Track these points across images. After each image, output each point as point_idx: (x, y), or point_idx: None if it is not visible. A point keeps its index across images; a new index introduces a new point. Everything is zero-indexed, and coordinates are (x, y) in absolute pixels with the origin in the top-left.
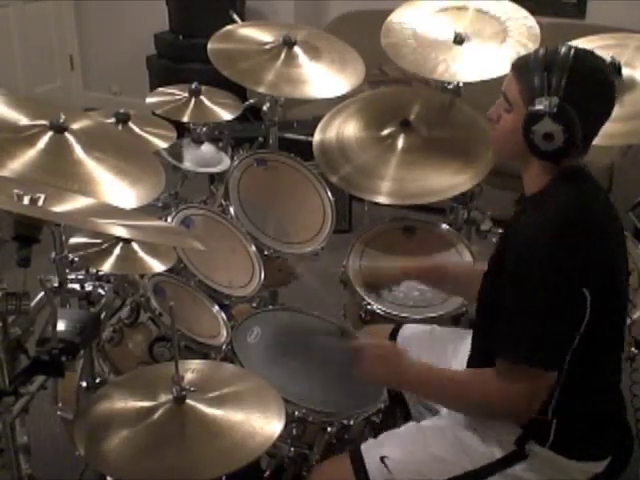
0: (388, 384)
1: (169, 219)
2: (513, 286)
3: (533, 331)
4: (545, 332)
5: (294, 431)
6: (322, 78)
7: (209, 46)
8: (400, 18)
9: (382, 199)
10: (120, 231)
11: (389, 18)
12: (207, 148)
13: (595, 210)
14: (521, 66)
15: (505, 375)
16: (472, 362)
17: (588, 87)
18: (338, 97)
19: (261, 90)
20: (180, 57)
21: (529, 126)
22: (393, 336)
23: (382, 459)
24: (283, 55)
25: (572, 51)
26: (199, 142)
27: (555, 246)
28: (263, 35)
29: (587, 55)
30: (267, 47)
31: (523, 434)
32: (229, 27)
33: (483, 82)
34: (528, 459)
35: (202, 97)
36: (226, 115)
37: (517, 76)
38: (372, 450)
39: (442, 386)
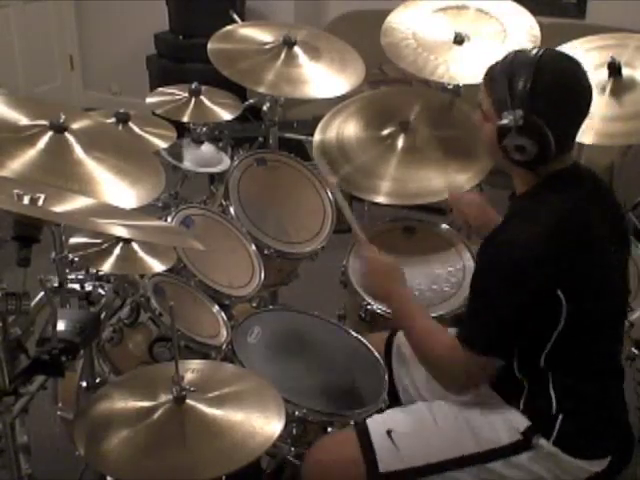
0: (377, 297)
1: (169, 219)
2: (481, 274)
3: (482, 317)
4: (493, 323)
5: (294, 431)
6: (322, 78)
7: (209, 46)
8: (400, 18)
9: (382, 199)
10: (120, 231)
11: (389, 18)
12: (207, 148)
13: (573, 216)
14: (488, 77)
15: (453, 345)
16: None
17: (554, 95)
18: (338, 97)
19: (261, 90)
20: (180, 57)
21: (501, 139)
22: (389, 343)
23: (388, 433)
24: (283, 55)
25: (537, 56)
26: (199, 142)
27: (530, 249)
28: (263, 35)
29: (552, 60)
30: (267, 47)
31: (531, 426)
32: (229, 27)
33: None
34: (533, 450)
35: (202, 97)
36: (226, 115)
37: (486, 88)
38: (378, 424)
39: (414, 326)
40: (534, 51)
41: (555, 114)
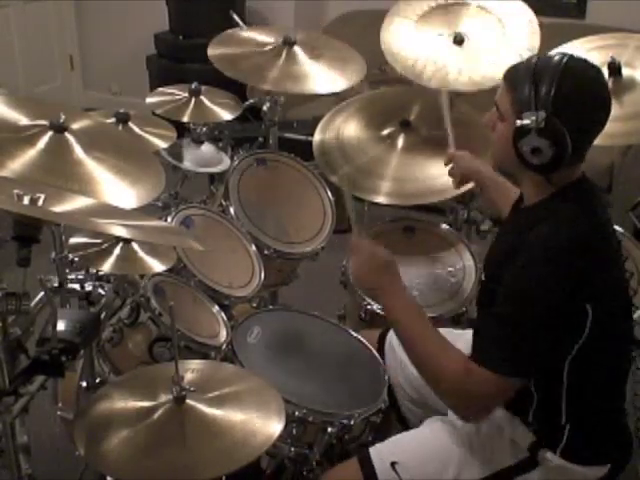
0: (370, 295)
1: (169, 219)
2: (508, 297)
3: (512, 342)
4: (524, 345)
5: (294, 431)
6: (324, 74)
7: (209, 51)
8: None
9: (382, 199)
10: (120, 231)
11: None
12: (207, 148)
13: (597, 228)
14: (511, 76)
15: (470, 369)
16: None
17: (577, 101)
18: (338, 96)
19: (266, 87)
20: (180, 57)
21: (517, 140)
22: (381, 339)
23: (393, 465)
24: (284, 54)
25: (563, 61)
26: (199, 142)
27: (557, 265)
28: (262, 37)
29: (578, 66)
30: (267, 48)
31: (536, 441)
32: (227, 32)
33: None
34: (539, 467)
35: (202, 97)
36: (226, 115)
37: (507, 86)
38: (383, 455)
39: (417, 336)
40: (558, 56)
41: (577, 120)
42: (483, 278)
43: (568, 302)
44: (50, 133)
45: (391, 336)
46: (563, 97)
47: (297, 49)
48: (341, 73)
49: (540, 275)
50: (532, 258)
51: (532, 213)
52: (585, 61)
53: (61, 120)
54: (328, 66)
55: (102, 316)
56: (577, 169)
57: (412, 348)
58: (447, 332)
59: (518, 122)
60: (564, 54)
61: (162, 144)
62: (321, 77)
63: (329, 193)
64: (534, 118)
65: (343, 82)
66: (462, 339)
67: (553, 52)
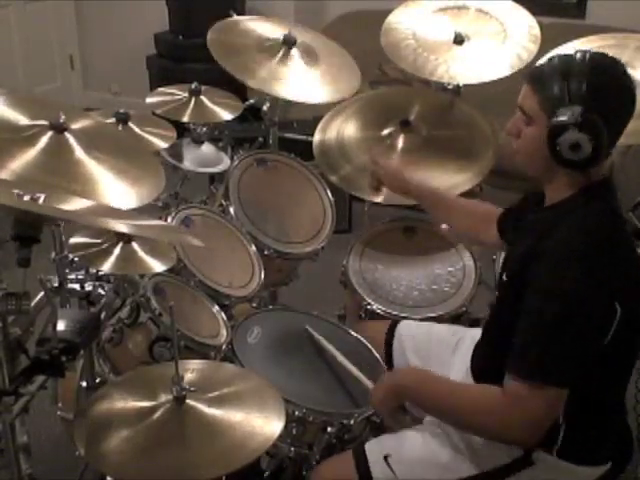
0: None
1: (169, 219)
2: (541, 302)
3: (558, 349)
4: (571, 351)
5: (294, 431)
6: (314, 83)
7: (209, 35)
8: (400, 18)
9: (382, 199)
10: (121, 227)
11: (389, 18)
12: (207, 148)
13: (622, 226)
14: (537, 77)
15: (516, 394)
16: (476, 363)
17: (609, 91)
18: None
19: (252, 85)
20: (180, 57)
21: (554, 138)
22: (390, 333)
23: (385, 458)
24: (280, 54)
25: (587, 56)
26: (199, 142)
27: (591, 264)
28: (264, 31)
29: (603, 59)
30: (266, 44)
31: None
32: (231, 20)
33: (483, 82)
34: (534, 466)
35: (202, 97)
36: (226, 115)
37: (534, 88)
38: (376, 449)
39: (444, 399)
40: (579, 53)
41: (611, 112)
42: (505, 278)
43: (601, 304)
44: (50, 133)
45: (400, 328)
46: (596, 90)
47: (295, 51)
48: (332, 87)
49: (574, 276)
50: (563, 258)
51: (557, 211)
52: (606, 55)
53: (61, 120)
54: (321, 76)
55: (102, 316)
56: (605, 165)
57: (451, 416)
58: (452, 329)
59: (554, 119)
60: (583, 50)
61: (162, 144)
62: (310, 86)
63: (329, 193)
64: (570, 113)
65: (331, 95)
66: (469, 335)
67: (563, 51)
